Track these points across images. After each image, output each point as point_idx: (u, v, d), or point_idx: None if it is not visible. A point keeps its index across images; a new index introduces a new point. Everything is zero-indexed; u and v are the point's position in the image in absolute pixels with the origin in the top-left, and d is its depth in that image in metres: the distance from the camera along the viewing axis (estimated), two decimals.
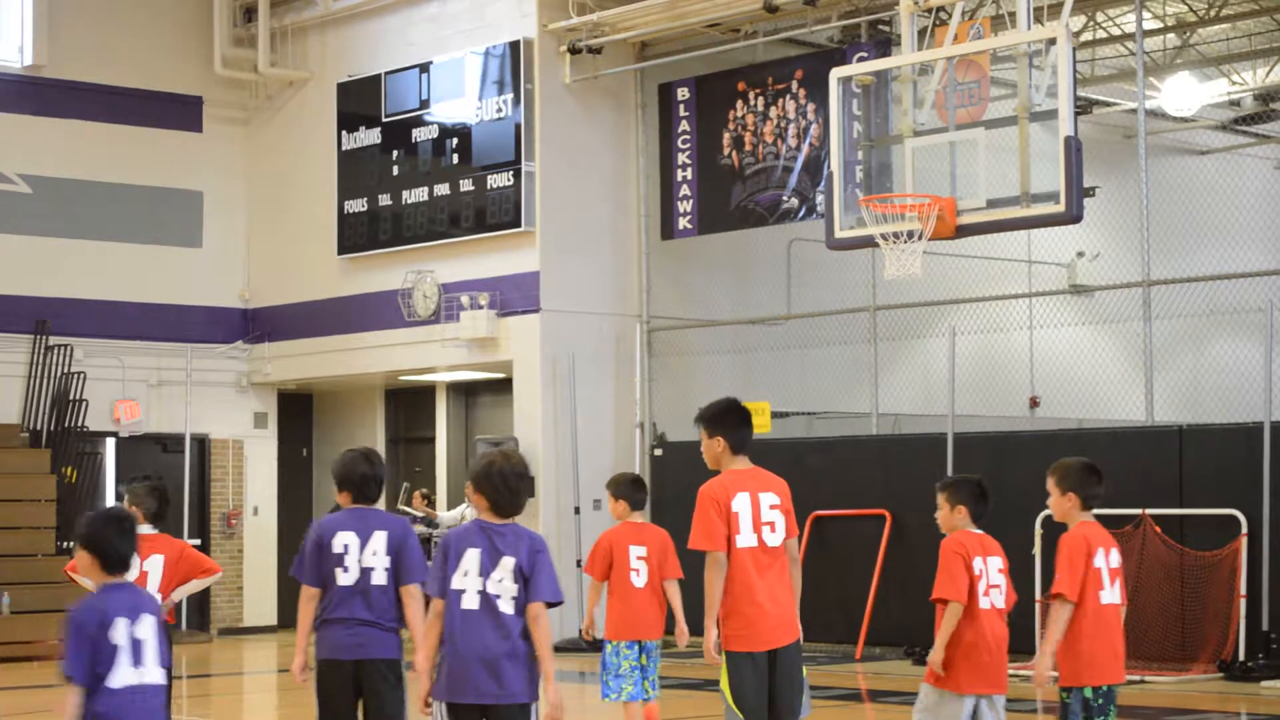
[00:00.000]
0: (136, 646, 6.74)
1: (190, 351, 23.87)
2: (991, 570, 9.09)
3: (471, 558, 7.30)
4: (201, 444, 24.25)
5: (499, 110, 21.35)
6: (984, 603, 8.98)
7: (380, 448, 25.04)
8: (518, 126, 21.11)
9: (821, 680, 17.18)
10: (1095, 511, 8.72)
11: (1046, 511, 17.29)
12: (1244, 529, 16.44)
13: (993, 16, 16.97)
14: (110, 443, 23.69)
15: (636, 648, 11.04)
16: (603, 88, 21.65)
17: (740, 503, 8.28)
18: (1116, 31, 23.00)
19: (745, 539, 8.25)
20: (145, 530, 9.82)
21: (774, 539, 8.32)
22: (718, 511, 8.23)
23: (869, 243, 15.52)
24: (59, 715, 6.85)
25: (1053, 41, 14.23)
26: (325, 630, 8.66)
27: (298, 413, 25.57)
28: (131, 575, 6.98)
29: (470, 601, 7.27)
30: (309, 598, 8.72)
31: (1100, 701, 8.87)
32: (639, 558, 11.05)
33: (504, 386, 22.14)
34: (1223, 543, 16.55)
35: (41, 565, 21.40)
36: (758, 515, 8.30)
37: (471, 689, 7.24)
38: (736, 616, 8.25)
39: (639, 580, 11.02)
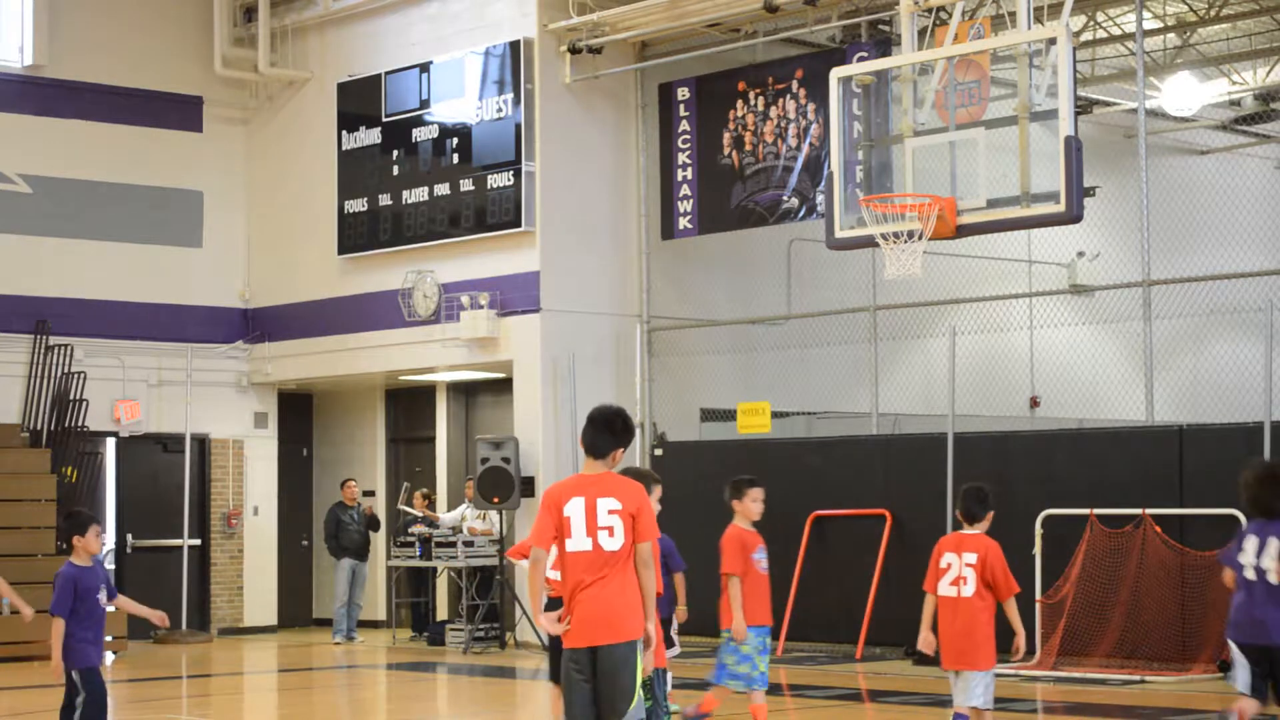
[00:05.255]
0: None
1: (190, 351, 23.87)
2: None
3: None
4: (201, 444, 24.25)
5: (499, 110, 21.36)
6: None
7: (380, 448, 25.06)
8: (518, 126, 21.12)
9: (821, 680, 17.19)
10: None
11: (1047, 511, 17.46)
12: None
13: (993, 16, 16.98)
14: (110, 443, 23.69)
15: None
16: (603, 88, 21.66)
17: (573, 507, 8.38)
18: (1116, 31, 23.01)
19: (576, 543, 8.36)
20: None
21: (612, 543, 8.35)
22: (549, 512, 8.42)
23: (869, 243, 15.52)
24: None
25: (1053, 41, 14.24)
26: None
27: (298, 413, 25.58)
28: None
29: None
30: None
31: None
32: None
33: (504, 386, 22.15)
34: (1223, 543, 16.47)
35: (41, 565, 21.36)
36: (593, 520, 8.35)
37: None
38: (567, 614, 8.42)
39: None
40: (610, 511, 8.36)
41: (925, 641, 10.62)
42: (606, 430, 8.57)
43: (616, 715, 8.28)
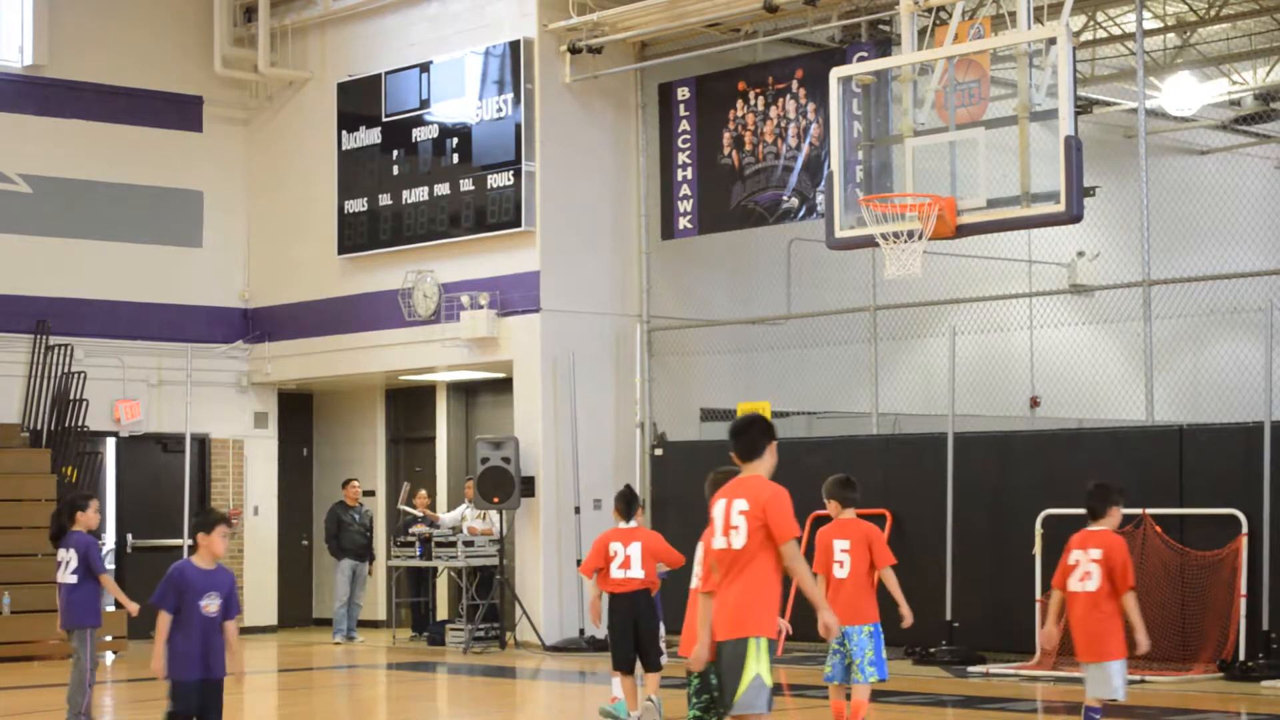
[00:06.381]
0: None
1: (190, 351, 23.87)
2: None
3: None
4: (202, 444, 24.25)
5: (499, 110, 21.35)
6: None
7: (380, 448, 25.06)
8: (518, 126, 21.11)
9: (822, 680, 17.15)
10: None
11: (1047, 511, 17.47)
12: (1244, 529, 16.43)
13: (993, 16, 16.97)
14: (110, 442, 23.69)
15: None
16: (603, 87, 21.65)
17: (717, 509, 8.84)
18: (1116, 31, 23.00)
19: (717, 541, 8.82)
20: (623, 525, 13.56)
21: (737, 541, 8.72)
22: (710, 519, 8.91)
23: (869, 242, 15.52)
24: None
25: (1053, 41, 14.24)
26: None
27: (298, 413, 25.57)
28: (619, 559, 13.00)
29: None
30: None
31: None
32: (843, 550, 12.19)
33: (504, 386, 22.15)
34: (1223, 543, 16.53)
35: (41, 565, 21.34)
36: (727, 520, 8.75)
37: None
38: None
39: (841, 571, 12.15)
40: (740, 512, 8.74)
41: (1047, 636, 11.42)
42: (754, 430, 8.96)
43: (725, 706, 8.72)
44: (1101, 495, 11.26)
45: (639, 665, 13.62)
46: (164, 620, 10.34)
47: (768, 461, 8.87)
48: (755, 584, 8.66)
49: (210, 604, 10.40)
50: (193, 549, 10.75)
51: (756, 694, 8.53)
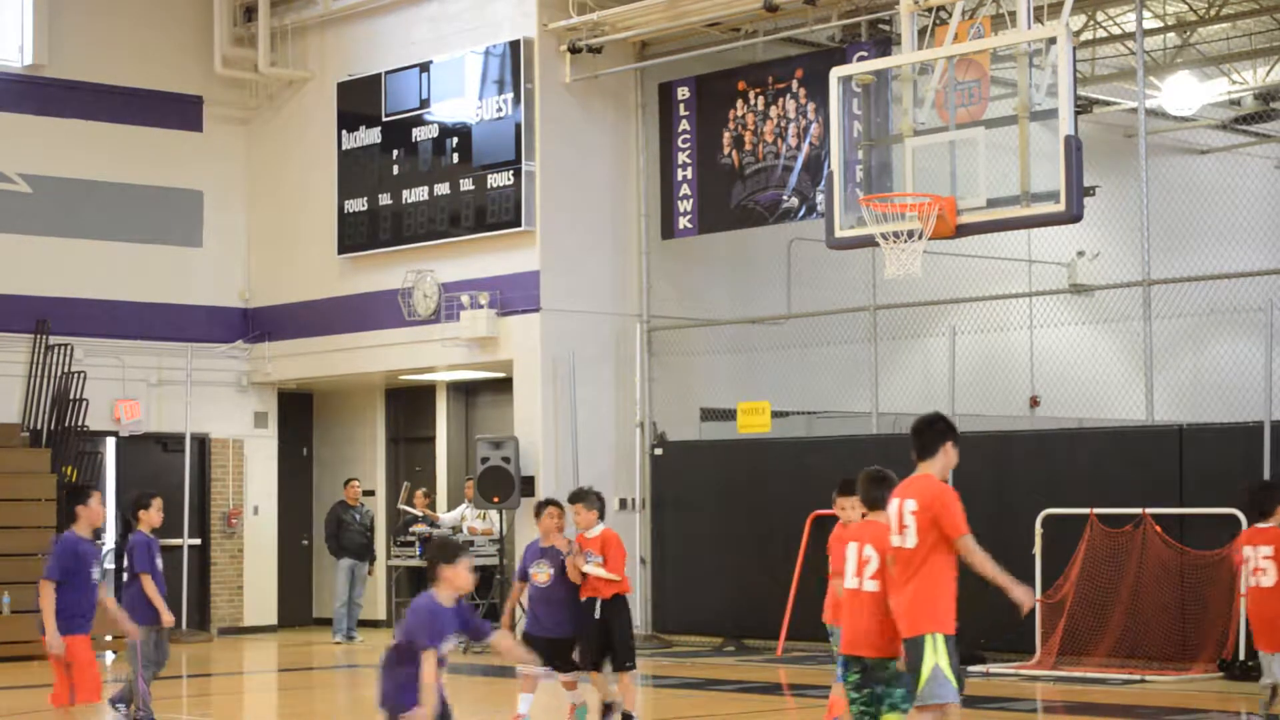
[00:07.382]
0: None
1: (190, 351, 23.87)
2: None
3: None
4: (202, 443, 24.25)
5: (499, 110, 21.36)
6: None
7: (380, 447, 25.05)
8: (518, 126, 21.11)
9: (822, 680, 17.16)
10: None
11: (1047, 511, 17.44)
12: (1244, 529, 16.40)
13: (993, 16, 16.97)
14: (110, 442, 23.68)
15: None
16: (603, 87, 21.65)
17: (891, 508, 9.19)
18: (1116, 31, 23.01)
19: (892, 539, 9.15)
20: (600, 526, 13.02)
21: (909, 541, 9.03)
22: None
23: (869, 242, 15.52)
24: None
25: (1053, 41, 14.24)
26: None
27: (298, 412, 25.57)
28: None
29: None
30: None
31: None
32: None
33: (504, 386, 22.15)
34: (1223, 543, 16.52)
35: (42, 565, 21.35)
36: (900, 519, 9.08)
37: None
38: None
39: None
40: (910, 512, 9.04)
41: None
42: (933, 430, 9.21)
43: (914, 703, 9.03)
44: (1269, 493, 11.98)
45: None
46: (429, 659, 8.77)
47: (940, 461, 9.11)
48: (928, 583, 8.95)
49: (447, 646, 8.94)
50: (431, 581, 9.00)
51: (939, 685, 8.83)
